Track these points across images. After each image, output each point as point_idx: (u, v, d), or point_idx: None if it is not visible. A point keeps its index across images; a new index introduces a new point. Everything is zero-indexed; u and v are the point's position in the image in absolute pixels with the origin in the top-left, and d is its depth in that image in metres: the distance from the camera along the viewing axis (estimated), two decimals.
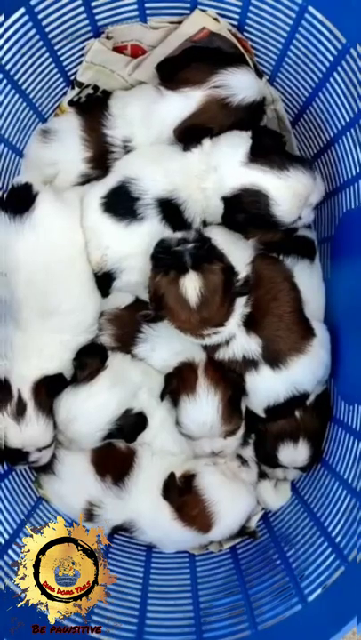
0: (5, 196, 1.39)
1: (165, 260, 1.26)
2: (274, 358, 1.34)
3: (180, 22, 1.42)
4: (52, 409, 1.39)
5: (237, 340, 1.34)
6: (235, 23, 1.40)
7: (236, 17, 1.38)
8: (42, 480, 1.49)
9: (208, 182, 1.34)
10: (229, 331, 1.32)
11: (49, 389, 1.38)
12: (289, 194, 1.29)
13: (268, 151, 1.30)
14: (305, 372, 1.36)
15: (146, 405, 1.45)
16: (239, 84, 1.34)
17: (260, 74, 1.46)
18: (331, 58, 1.28)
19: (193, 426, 1.38)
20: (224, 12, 1.38)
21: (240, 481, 1.43)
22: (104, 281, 1.41)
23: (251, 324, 1.33)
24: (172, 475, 1.41)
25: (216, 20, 1.39)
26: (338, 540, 1.28)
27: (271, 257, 1.43)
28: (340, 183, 1.40)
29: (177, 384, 1.40)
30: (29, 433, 1.34)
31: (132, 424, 1.42)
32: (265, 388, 1.37)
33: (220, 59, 1.38)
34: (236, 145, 1.32)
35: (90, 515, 1.42)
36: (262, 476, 1.51)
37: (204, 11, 1.39)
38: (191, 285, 1.23)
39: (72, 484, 1.44)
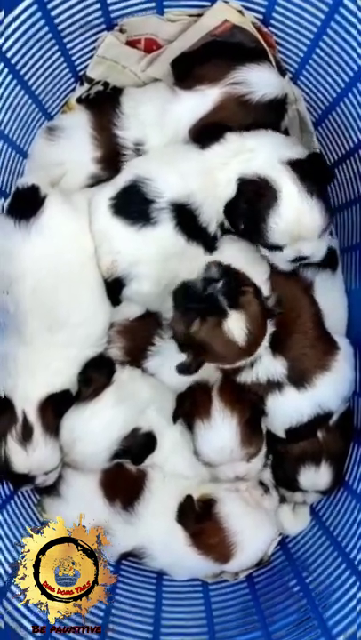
0: (11, 199, 1.33)
1: (199, 309, 1.19)
2: (300, 378, 1.29)
3: (199, 15, 1.36)
4: (58, 429, 1.32)
5: (262, 362, 1.28)
6: (260, 17, 1.34)
7: (262, 10, 1.33)
8: (45, 503, 1.43)
9: (230, 169, 1.27)
10: (254, 355, 1.26)
11: (56, 409, 1.31)
12: (294, 215, 1.22)
13: (309, 175, 1.24)
14: (330, 389, 1.31)
15: (155, 425, 1.39)
16: (259, 81, 1.29)
17: (282, 71, 1.40)
18: None
19: (212, 453, 1.32)
20: (249, 3, 1.33)
21: (263, 510, 1.38)
22: (114, 288, 1.34)
23: (277, 344, 1.27)
24: (189, 498, 1.36)
25: (240, 12, 1.32)
26: None
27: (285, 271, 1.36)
28: None
29: (190, 407, 1.34)
30: (37, 458, 1.28)
31: (140, 444, 1.35)
32: (288, 408, 1.31)
33: (240, 54, 1.32)
34: (277, 136, 1.30)
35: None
36: (280, 499, 1.46)
37: (226, 2, 1.32)
38: (237, 326, 1.16)
39: (79, 508, 1.34)
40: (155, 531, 1.36)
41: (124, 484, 1.38)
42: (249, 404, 1.32)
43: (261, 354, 1.26)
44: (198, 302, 1.18)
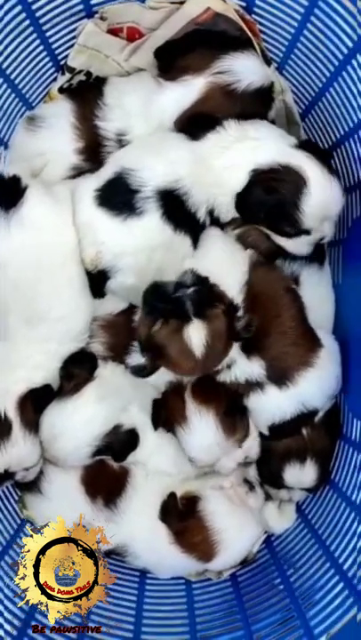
0: None
1: (163, 309, 1.18)
2: (280, 376, 1.28)
3: (181, 3, 1.34)
4: (38, 425, 1.30)
5: (238, 365, 1.28)
6: (243, 4, 1.32)
7: None
8: (27, 500, 1.41)
9: (234, 154, 1.26)
10: (228, 358, 1.25)
11: (35, 404, 1.29)
12: (323, 197, 1.22)
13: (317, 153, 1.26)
14: (313, 387, 1.29)
15: (138, 422, 1.37)
16: (244, 69, 1.27)
17: (268, 61, 1.38)
18: (350, 44, 1.20)
19: (202, 455, 1.30)
20: None
21: (247, 508, 1.37)
22: (98, 280, 1.31)
23: (252, 347, 1.26)
24: (172, 495, 1.35)
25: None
26: (349, 571, 1.22)
27: (266, 265, 1.34)
28: (354, 182, 1.33)
29: (167, 414, 1.33)
30: (16, 454, 1.26)
31: (122, 441, 1.33)
32: (271, 406, 1.30)
33: (224, 43, 1.30)
34: (278, 130, 1.29)
35: None
36: (266, 497, 1.44)
37: None
38: (197, 335, 1.15)
39: (60, 505, 1.36)
40: (137, 529, 1.35)
41: (105, 480, 1.37)
42: (223, 392, 1.30)
43: (235, 358, 1.26)
44: (165, 303, 1.16)
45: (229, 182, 1.26)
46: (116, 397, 1.33)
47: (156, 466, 1.40)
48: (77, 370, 1.32)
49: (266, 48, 1.37)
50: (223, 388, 1.30)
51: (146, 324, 1.18)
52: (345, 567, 1.22)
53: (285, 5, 1.26)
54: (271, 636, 1.22)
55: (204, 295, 1.17)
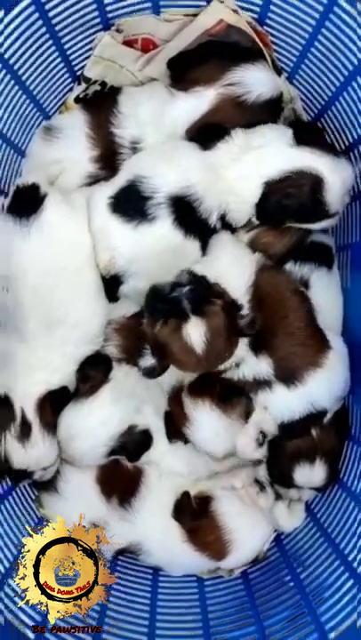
0: (11, 197, 1.32)
1: (162, 309, 1.20)
2: (289, 376, 1.29)
3: (195, 15, 1.36)
4: (56, 426, 1.33)
5: (247, 363, 1.29)
6: (255, 16, 1.34)
7: (257, 9, 1.33)
8: (43, 499, 1.43)
9: (242, 166, 1.29)
10: (236, 357, 1.26)
11: (53, 405, 1.32)
12: (340, 180, 1.26)
13: (313, 138, 1.29)
14: (321, 387, 1.30)
15: (152, 423, 1.40)
16: (254, 81, 1.30)
17: (278, 71, 1.40)
18: (360, 56, 1.21)
19: (214, 445, 1.32)
20: (244, 3, 1.32)
21: (258, 509, 1.38)
22: (111, 285, 1.34)
23: (260, 346, 1.28)
24: (186, 494, 1.36)
25: (235, 11, 1.32)
26: (358, 568, 1.24)
27: (273, 269, 1.37)
28: None
29: (175, 425, 1.36)
30: (35, 454, 1.29)
31: (136, 442, 1.36)
32: (279, 405, 1.31)
33: (235, 54, 1.32)
34: (280, 130, 1.31)
35: None
36: (276, 496, 1.44)
37: (222, 1, 1.32)
38: (195, 332, 1.16)
39: (76, 504, 1.37)
40: (151, 527, 1.36)
41: (120, 480, 1.38)
42: (215, 380, 1.31)
43: (243, 356, 1.27)
44: (163, 303, 1.19)
45: (242, 191, 1.29)
46: (130, 399, 1.35)
47: (170, 466, 1.42)
48: (93, 372, 1.35)
49: (277, 58, 1.39)
50: (215, 377, 1.30)
51: (149, 326, 1.21)
52: (354, 564, 1.24)
53: (297, 17, 1.27)
54: (283, 631, 1.24)
55: (200, 293, 1.18)
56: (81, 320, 1.32)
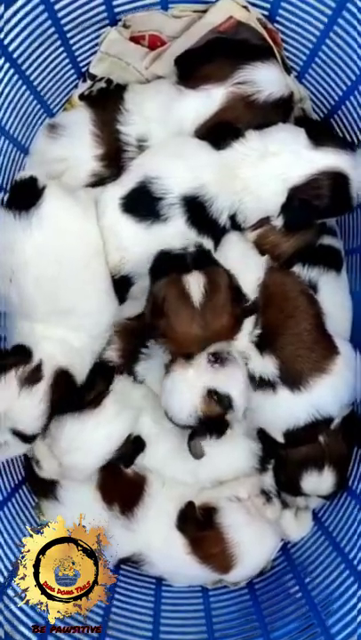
0: (10, 191, 1.30)
1: (167, 265, 1.20)
2: (293, 379, 1.28)
3: (204, 11, 1.35)
4: (54, 414, 1.26)
5: (253, 362, 1.29)
6: (266, 13, 1.33)
7: (268, 6, 1.32)
8: (43, 506, 1.42)
9: (261, 171, 1.27)
10: (241, 352, 1.27)
11: (65, 391, 1.26)
12: (359, 173, 1.27)
13: (325, 135, 1.29)
14: (328, 394, 1.29)
15: (148, 430, 1.39)
16: (265, 80, 1.28)
17: (288, 69, 1.39)
18: None
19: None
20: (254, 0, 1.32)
21: (265, 521, 1.36)
22: (121, 285, 1.33)
23: (265, 345, 1.28)
24: (191, 504, 1.35)
25: (245, 8, 1.31)
26: None
27: (281, 270, 1.36)
28: None
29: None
30: (24, 403, 1.21)
31: (129, 449, 1.34)
32: (283, 410, 1.30)
33: (245, 52, 1.31)
34: (294, 131, 1.28)
35: None
36: (282, 504, 1.43)
37: None
38: (195, 282, 1.16)
39: (75, 511, 1.30)
40: (154, 537, 1.35)
41: (122, 488, 1.37)
42: None
43: (246, 353, 1.28)
44: (168, 261, 1.20)
45: (260, 192, 1.28)
46: (130, 410, 1.34)
47: (172, 474, 1.40)
48: (99, 379, 1.33)
49: (286, 57, 1.38)
50: None
51: (151, 284, 1.22)
52: None
53: (309, 14, 1.27)
54: None
55: (205, 255, 1.21)
56: (91, 311, 1.30)
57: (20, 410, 1.21)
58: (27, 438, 1.24)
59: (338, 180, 1.25)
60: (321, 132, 1.29)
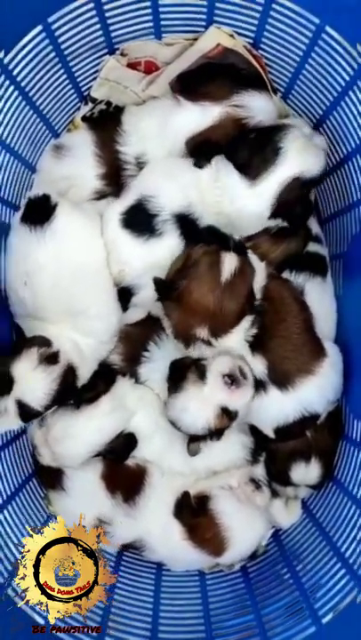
0: (24, 207, 1.38)
1: (210, 237, 1.29)
2: (282, 379, 1.33)
3: (195, 39, 1.43)
4: (53, 404, 1.31)
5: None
6: (250, 41, 1.40)
7: (252, 35, 1.39)
8: (51, 497, 1.47)
9: (224, 201, 1.34)
10: (234, 348, 1.32)
11: (69, 386, 1.32)
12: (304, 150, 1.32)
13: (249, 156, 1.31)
14: (314, 393, 1.34)
15: (143, 428, 1.44)
16: (259, 107, 1.34)
17: (274, 90, 1.46)
18: (347, 77, 1.28)
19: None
20: (240, 29, 1.39)
21: (255, 507, 1.41)
22: (122, 296, 1.40)
23: (257, 345, 1.33)
24: (186, 494, 1.40)
25: (232, 36, 1.39)
26: (350, 558, 1.28)
27: (280, 278, 1.42)
28: (353, 201, 1.39)
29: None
30: (38, 378, 1.27)
31: (121, 444, 1.40)
32: (274, 408, 1.35)
33: (241, 78, 1.37)
34: (228, 167, 1.33)
35: None
36: (273, 493, 1.49)
37: (219, 27, 1.39)
38: (229, 262, 1.25)
39: (81, 501, 1.41)
40: (153, 524, 1.40)
41: (125, 478, 1.42)
42: None
43: (239, 350, 1.33)
44: (215, 234, 1.31)
45: (229, 212, 1.34)
46: (124, 410, 1.40)
47: (170, 466, 1.45)
48: (100, 381, 1.39)
49: (271, 79, 1.45)
50: None
51: (186, 250, 1.31)
52: (347, 555, 1.28)
53: (289, 43, 1.34)
54: (279, 618, 1.28)
55: (244, 247, 1.30)
56: (102, 313, 1.38)
57: (33, 382, 1.26)
58: (26, 413, 1.27)
59: (298, 185, 1.30)
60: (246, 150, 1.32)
